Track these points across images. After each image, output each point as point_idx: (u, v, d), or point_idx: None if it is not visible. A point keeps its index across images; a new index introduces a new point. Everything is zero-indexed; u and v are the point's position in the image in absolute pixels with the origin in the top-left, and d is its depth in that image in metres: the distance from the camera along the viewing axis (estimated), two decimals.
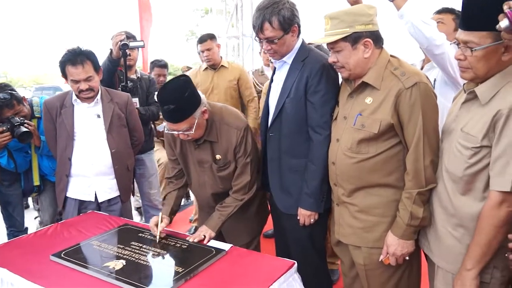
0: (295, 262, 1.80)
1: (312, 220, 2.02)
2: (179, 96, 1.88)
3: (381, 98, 1.69)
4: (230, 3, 7.24)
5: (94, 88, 2.47)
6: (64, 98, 2.56)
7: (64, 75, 2.45)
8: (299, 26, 2.00)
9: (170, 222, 2.20)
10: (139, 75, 3.37)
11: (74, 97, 2.52)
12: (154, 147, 3.49)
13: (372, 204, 1.77)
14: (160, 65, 4.19)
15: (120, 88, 3.00)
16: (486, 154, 1.41)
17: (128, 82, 3.03)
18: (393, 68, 1.69)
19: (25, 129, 2.53)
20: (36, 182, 2.85)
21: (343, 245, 1.94)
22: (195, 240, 2.00)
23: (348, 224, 1.85)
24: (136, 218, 3.73)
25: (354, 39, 1.69)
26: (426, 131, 1.62)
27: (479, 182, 1.45)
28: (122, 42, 2.84)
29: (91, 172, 2.53)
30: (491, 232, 1.39)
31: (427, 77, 1.70)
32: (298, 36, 2.02)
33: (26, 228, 3.07)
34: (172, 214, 2.23)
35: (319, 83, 1.92)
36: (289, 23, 1.93)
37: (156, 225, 2.07)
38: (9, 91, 2.57)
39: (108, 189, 2.60)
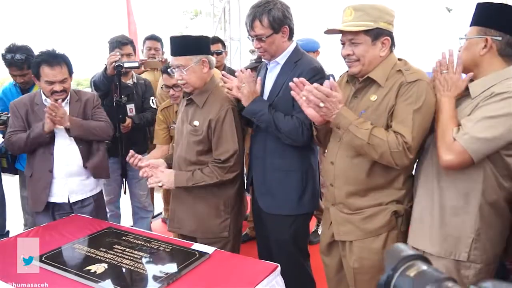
0: (278, 265, 1.80)
1: None
2: (188, 36, 2.20)
3: (384, 93, 1.69)
4: (218, 6, 7.26)
5: (68, 89, 2.50)
6: (33, 98, 2.55)
7: (37, 75, 2.42)
8: (291, 29, 2.02)
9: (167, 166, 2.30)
10: (135, 80, 3.31)
11: (43, 97, 2.51)
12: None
13: (368, 205, 1.76)
14: (150, 37, 3.90)
15: (115, 100, 3.01)
16: None
17: (123, 97, 3.02)
18: (399, 68, 1.70)
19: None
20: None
21: (332, 246, 1.93)
22: (150, 181, 2.16)
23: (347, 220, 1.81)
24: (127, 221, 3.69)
25: (375, 34, 1.67)
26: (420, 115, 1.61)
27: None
28: (117, 63, 2.87)
29: (64, 172, 2.51)
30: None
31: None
32: (290, 39, 2.05)
33: (8, 232, 3.02)
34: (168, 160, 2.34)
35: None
36: (279, 23, 1.97)
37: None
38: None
39: (80, 189, 2.58)
